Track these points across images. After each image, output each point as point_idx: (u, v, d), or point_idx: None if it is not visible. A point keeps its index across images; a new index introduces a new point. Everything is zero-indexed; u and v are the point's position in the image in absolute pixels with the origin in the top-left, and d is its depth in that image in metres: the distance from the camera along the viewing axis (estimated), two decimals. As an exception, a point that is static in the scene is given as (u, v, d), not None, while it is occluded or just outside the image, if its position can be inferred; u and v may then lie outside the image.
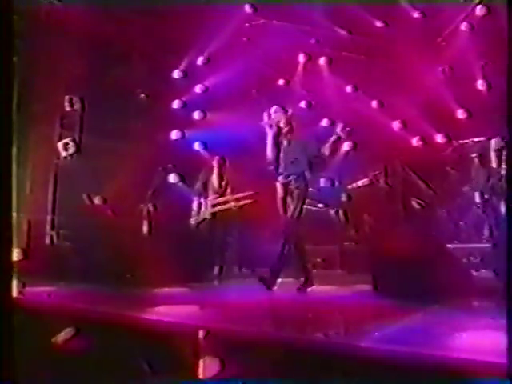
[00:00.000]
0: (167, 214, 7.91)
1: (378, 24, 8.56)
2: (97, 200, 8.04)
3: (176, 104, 8.62)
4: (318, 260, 7.96)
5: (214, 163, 7.98)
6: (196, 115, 8.73)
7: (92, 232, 7.10)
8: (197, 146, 8.65)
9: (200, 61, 8.71)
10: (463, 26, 8.38)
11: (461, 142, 7.84)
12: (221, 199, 7.87)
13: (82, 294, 5.41)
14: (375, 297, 5.79)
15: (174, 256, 6.28)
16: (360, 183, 8.10)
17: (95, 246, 6.62)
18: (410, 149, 8.57)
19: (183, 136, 8.54)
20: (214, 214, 7.85)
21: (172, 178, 8.39)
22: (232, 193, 7.89)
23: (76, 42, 7.70)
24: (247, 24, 8.60)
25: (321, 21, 8.58)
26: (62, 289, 5.65)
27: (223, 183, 7.99)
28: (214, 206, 7.85)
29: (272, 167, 6.64)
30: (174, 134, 8.51)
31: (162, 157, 8.26)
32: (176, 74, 8.66)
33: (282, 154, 6.63)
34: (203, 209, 7.89)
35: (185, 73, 8.68)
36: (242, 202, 7.72)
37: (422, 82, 8.42)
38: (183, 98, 8.66)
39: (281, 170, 6.66)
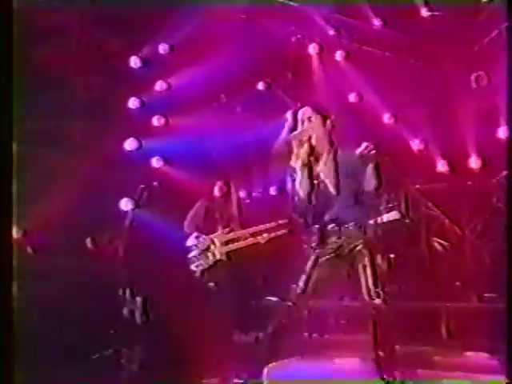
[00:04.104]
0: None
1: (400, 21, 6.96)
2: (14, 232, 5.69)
3: (132, 103, 6.58)
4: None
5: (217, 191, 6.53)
6: (155, 120, 6.77)
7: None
8: (155, 161, 6.69)
9: (162, 49, 6.77)
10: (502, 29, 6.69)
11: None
12: (236, 234, 6.33)
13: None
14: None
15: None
16: (385, 218, 6.11)
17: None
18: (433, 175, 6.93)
19: (140, 146, 6.55)
20: (228, 255, 6.24)
21: (124, 204, 6.14)
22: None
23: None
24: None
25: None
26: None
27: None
28: (226, 243, 6.26)
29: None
30: (129, 144, 6.47)
31: (112, 172, 6.25)
32: (133, 62, 6.60)
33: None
34: (212, 248, 6.26)
35: (144, 62, 6.68)
36: (272, 235, 6.23)
37: (449, 91, 6.82)
38: (142, 97, 6.68)
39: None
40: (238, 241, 6.41)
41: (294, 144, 5.02)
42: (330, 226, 5.08)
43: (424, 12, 6.96)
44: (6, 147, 4.30)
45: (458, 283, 6.60)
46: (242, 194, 6.90)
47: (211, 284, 6.35)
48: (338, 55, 7.09)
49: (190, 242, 6.34)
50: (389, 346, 6.03)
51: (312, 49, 7.11)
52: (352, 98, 7.07)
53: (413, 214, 6.80)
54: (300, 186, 4.94)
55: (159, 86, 6.80)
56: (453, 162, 6.92)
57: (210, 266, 6.30)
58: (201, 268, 6.24)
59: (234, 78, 7.10)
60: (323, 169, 5.01)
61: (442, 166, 6.92)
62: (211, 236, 6.35)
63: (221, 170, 6.71)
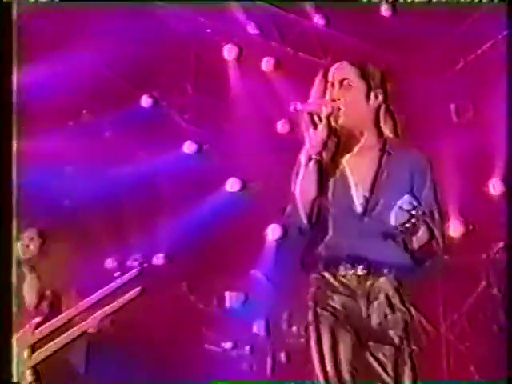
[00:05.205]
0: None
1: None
2: None
3: None
4: None
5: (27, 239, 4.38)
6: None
7: None
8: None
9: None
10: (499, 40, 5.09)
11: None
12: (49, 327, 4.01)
13: None
14: None
15: None
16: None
17: None
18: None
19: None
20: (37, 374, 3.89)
21: None
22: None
23: None
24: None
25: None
26: None
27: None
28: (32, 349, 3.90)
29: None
30: None
31: None
32: None
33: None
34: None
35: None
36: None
37: (419, 126, 5.09)
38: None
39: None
40: (54, 338, 4.06)
41: (303, 120, 3.64)
42: (343, 269, 3.35)
43: (384, 10, 5.17)
44: None
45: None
46: (110, 263, 4.90)
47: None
48: (265, 63, 5.22)
49: None
50: None
51: (227, 52, 5.16)
52: (280, 126, 5.13)
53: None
54: (301, 191, 3.37)
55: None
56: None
57: None
58: None
59: (105, 86, 5.22)
60: (352, 166, 3.43)
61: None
62: None
63: (77, 225, 4.82)
